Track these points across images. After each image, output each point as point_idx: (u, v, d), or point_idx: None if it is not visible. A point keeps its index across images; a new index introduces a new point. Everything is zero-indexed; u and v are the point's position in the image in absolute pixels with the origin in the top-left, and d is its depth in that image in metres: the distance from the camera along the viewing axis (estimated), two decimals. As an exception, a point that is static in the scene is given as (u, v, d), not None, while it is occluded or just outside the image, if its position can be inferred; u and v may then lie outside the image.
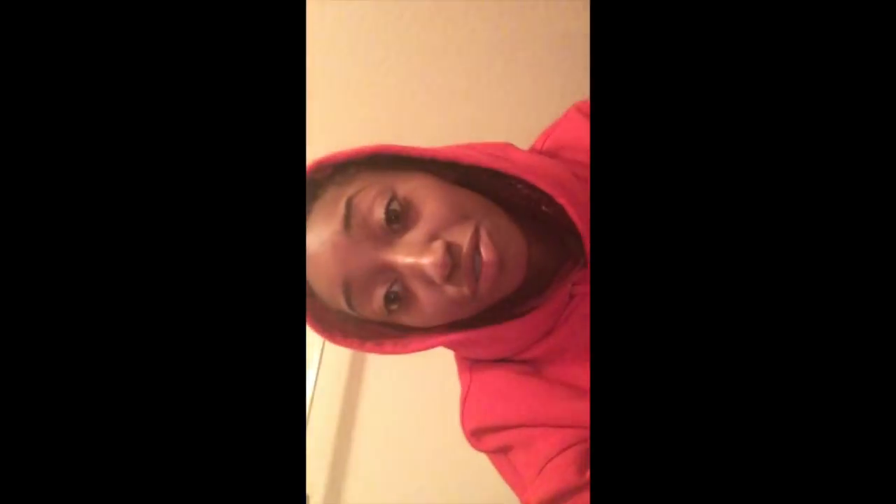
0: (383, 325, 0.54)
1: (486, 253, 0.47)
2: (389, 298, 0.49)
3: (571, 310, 0.54)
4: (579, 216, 0.50)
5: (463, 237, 0.47)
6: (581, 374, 0.53)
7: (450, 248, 0.46)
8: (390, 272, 0.48)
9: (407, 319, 0.51)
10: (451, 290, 0.47)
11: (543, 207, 0.53)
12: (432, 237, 0.47)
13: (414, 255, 0.47)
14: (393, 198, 0.48)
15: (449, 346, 0.55)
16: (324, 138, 1.27)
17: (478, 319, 0.53)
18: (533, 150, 0.63)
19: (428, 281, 0.47)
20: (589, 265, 0.52)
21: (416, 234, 0.48)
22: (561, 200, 0.50)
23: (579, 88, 1.09)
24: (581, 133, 0.60)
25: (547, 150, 0.61)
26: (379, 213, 0.47)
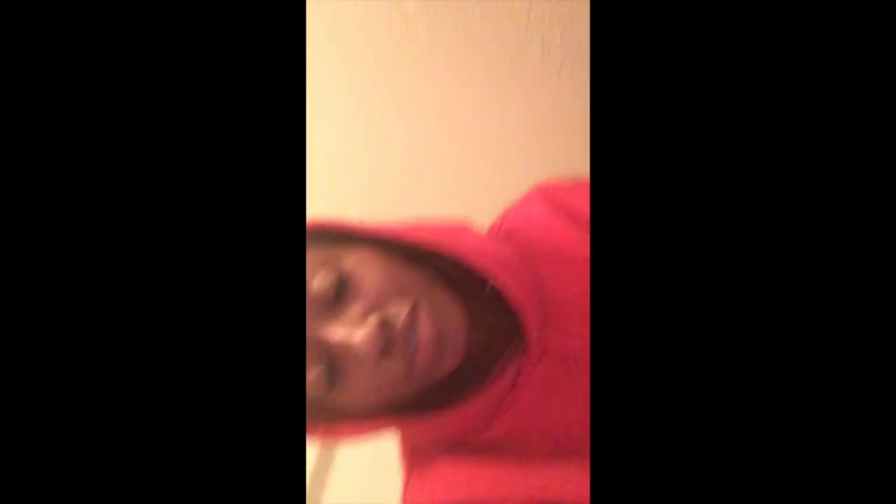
0: (319, 408, 0.51)
1: (423, 329, 0.46)
2: (321, 379, 0.46)
3: (515, 395, 0.52)
4: (522, 300, 0.49)
5: (400, 313, 0.46)
6: (528, 456, 0.51)
7: (385, 324, 0.45)
8: (324, 349, 0.46)
9: (340, 400, 0.48)
10: (385, 367, 0.46)
11: (487, 290, 0.53)
12: (368, 312, 0.46)
13: (346, 332, 0.45)
14: (334, 271, 0.46)
15: (384, 432, 0.52)
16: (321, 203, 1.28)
17: (415, 405, 0.51)
18: (491, 230, 0.62)
19: (360, 358, 0.45)
20: (528, 347, 0.51)
21: (353, 310, 0.46)
22: (503, 283, 0.49)
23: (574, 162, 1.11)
24: (535, 215, 0.60)
25: (504, 231, 0.60)
26: (319, 287, 0.46)
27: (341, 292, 0.46)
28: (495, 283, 0.50)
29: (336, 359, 0.46)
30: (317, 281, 0.46)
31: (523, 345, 0.52)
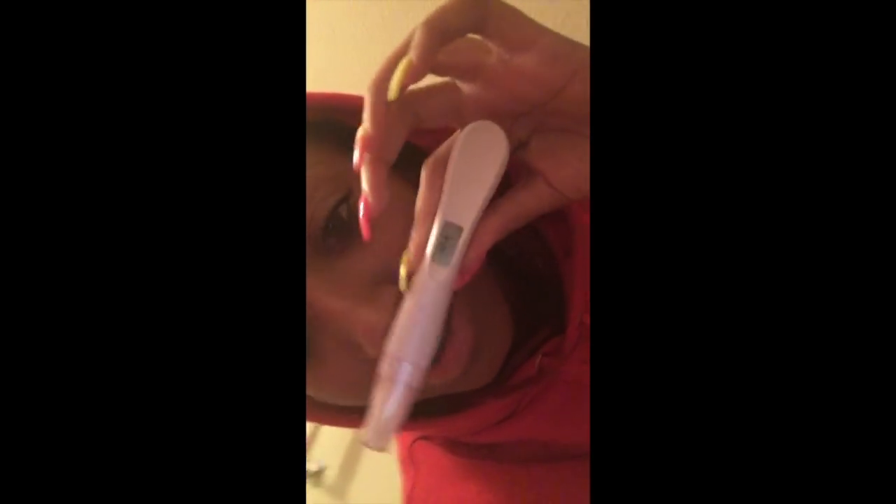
0: None
1: (459, 325, 0.31)
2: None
3: (540, 392, 0.38)
4: (573, 270, 0.36)
5: None
6: (544, 467, 0.40)
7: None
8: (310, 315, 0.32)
9: (309, 389, 0.35)
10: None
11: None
12: (378, 276, 0.31)
13: (346, 301, 0.30)
14: (345, 199, 0.32)
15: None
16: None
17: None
18: None
19: (351, 342, 0.31)
20: (568, 332, 0.37)
21: (355, 265, 0.32)
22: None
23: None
24: None
25: None
26: (321, 216, 0.31)
27: (345, 233, 0.32)
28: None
29: (314, 330, 0.32)
30: (320, 207, 0.32)
31: (562, 328, 0.37)
